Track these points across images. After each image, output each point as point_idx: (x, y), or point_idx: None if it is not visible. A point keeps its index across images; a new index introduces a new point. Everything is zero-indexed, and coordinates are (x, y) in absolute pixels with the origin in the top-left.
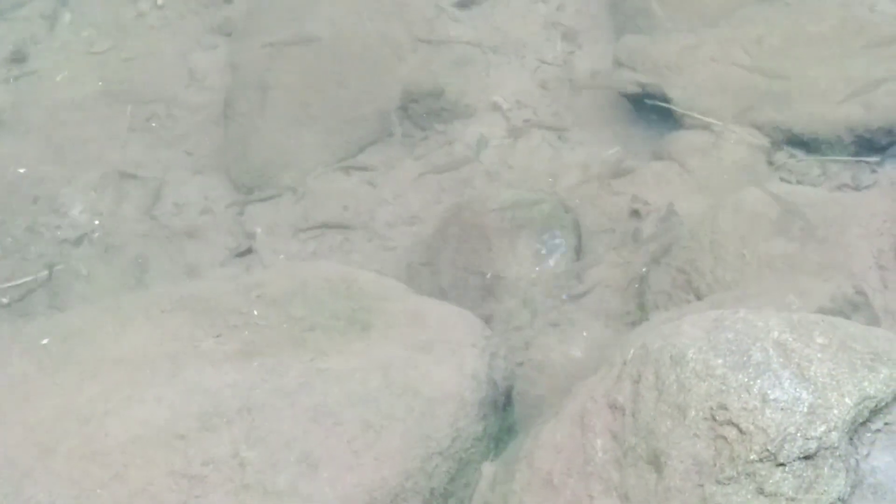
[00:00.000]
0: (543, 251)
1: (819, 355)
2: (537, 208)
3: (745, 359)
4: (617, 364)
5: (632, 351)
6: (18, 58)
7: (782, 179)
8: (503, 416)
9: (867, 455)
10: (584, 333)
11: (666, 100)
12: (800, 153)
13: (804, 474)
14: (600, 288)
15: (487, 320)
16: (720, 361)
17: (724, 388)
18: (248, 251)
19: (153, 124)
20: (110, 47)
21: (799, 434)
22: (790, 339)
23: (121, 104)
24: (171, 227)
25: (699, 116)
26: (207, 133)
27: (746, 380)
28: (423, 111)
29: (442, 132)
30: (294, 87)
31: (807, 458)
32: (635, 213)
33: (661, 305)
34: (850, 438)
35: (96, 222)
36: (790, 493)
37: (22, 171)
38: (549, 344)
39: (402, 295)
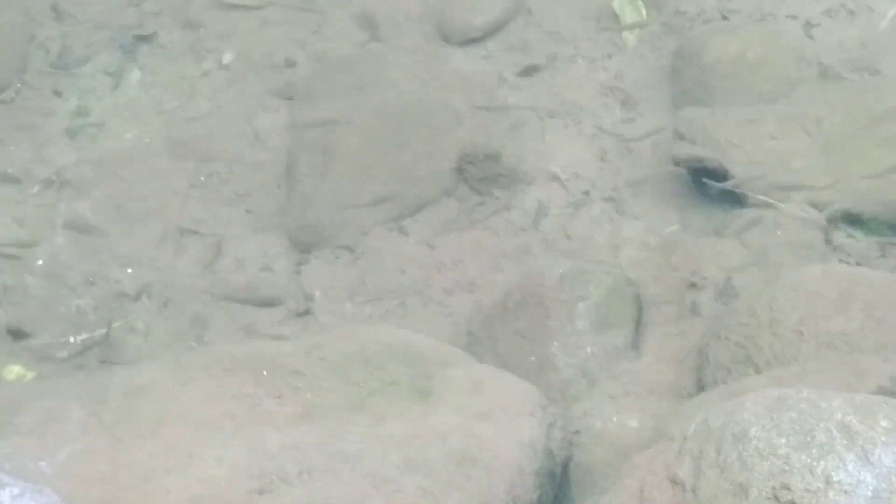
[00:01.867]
0: (602, 322)
1: (883, 438)
2: (597, 279)
3: (808, 439)
4: (677, 438)
5: (692, 426)
6: (82, 113)
7: (841, 260)
8: (559, 486)
9: None
10: (642, 404)
11: (725, 174)
12: (858, 233)
13: None
14: (658, 360)
15: (545, 390)
16: (783, 441)
17: (787, 467)
18: (307, 312)
19: (215, 182)
20: (175, 106)
21: None
22: (854, 420)
23: (183, 162)
24: (230, 285)
25: (759, 197)
26: (268, 192)
27: (810, 460)
28: (481, 175)
29: (499, 198)
30: (355, 150)
31: None
32: (693, 287)
33: (720, 380)
34: None
35: (156, 278)
36: None
37: (84, 224)
38: (606, 414)
39: (461, 362)
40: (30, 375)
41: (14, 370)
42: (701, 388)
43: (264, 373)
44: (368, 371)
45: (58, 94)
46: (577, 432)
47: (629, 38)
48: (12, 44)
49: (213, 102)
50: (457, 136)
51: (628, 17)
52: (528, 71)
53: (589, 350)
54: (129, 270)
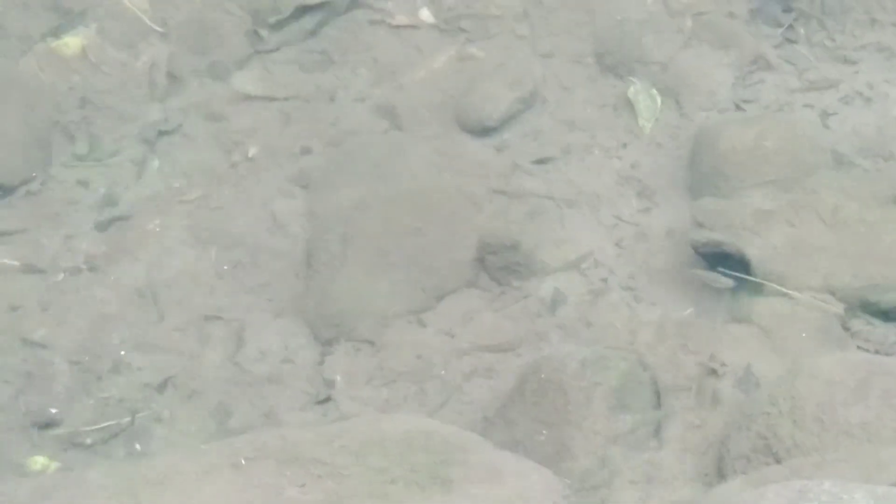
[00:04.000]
0: (621, 408)
1: None
2: (615, 366)
3: None
4: None
5: None
6: (109, 203)
7: (859, 347)
8: None
9: None
10: (663, 494)
11: (744, 262)
12: (877, 321)
13: None
14: (679, 447)
15: (565, 478)
16: None
17: None
18: (328, 399)
19: (237, 270)
20: (199, 196)
21: None
22: None
23: (207, 250)
24: (252, 374)
25: (775, 286)
26: (288, 280)
27: None
28: (500, 264)
29: (518, 287)
30: (373, 237)
31: None
32: (713, 373)
33: (740, 469)
34: None
35: (180, 367)
36: None
37: (110, 313)
38: (627, 503)
39: (481, 448)
40: (54, 466)
41: (39, 460)
42: (722, 477)
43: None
44: (389, 459)
45: (83, 184)
46: None
47: (645, 126)
48: (39, 134)
49: (236, 192)
50: (475, 224)
51: (643, 106)
52: (544, 160)
53: (608, 437)
54: (155, 358)
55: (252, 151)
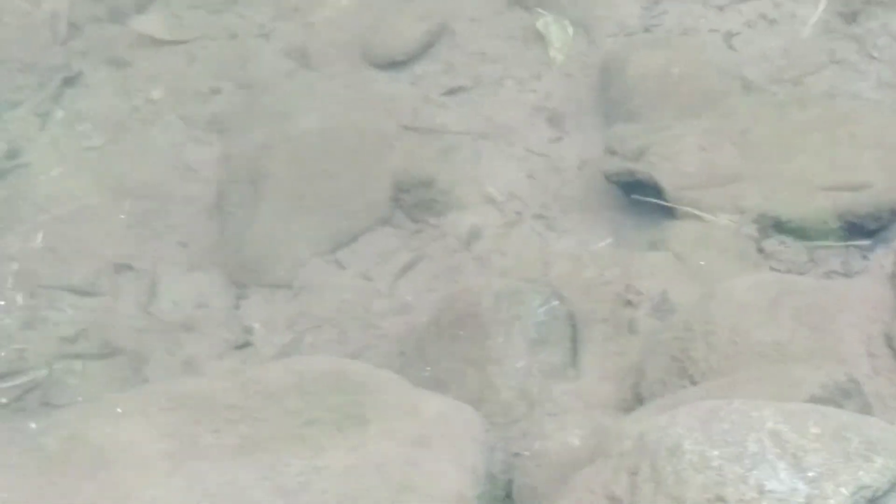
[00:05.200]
0: (539, 341)
1: (814, 445)
2: (531, 298)
3: (741, 450)
4: (613, 455)
5: (628, 442)
6: (11, 155)
7: (772, 268)
8: None
9: None
10: (582, 422)
11: (657, 187)
12: (789, 240)
13: None
14: (597, 377)
15: (484, 411)
16: (716, 453)
17: (720, 479)
18: (246, 345)
19: (148, 218)
20: (105, 142)
21: None
22: (785, 429)
23: (115, 199)
24: (167, 322)
25: (689, 209)
26: (202, 226)
27: (743, 471)
28: (415, 201)
29: (434, 225)
30: (285, 179)
31: None
32: (628, 303)
33: (657, 393)
34: None
35: (93, 318)
36: None
37: (16, 267)
38: (546, 434)
39: (397, 388)
40: None
41: None
42: (639, 402)
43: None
44: (304, 401)
45: None
46: (517, 454)
47: (556, 57)
48: None
49: (143, 137)
50: (388, 161)
51: (554, 37)
52: (455, 93)
53: (526, 369)
54: (66, 311)
55: (158, 95)
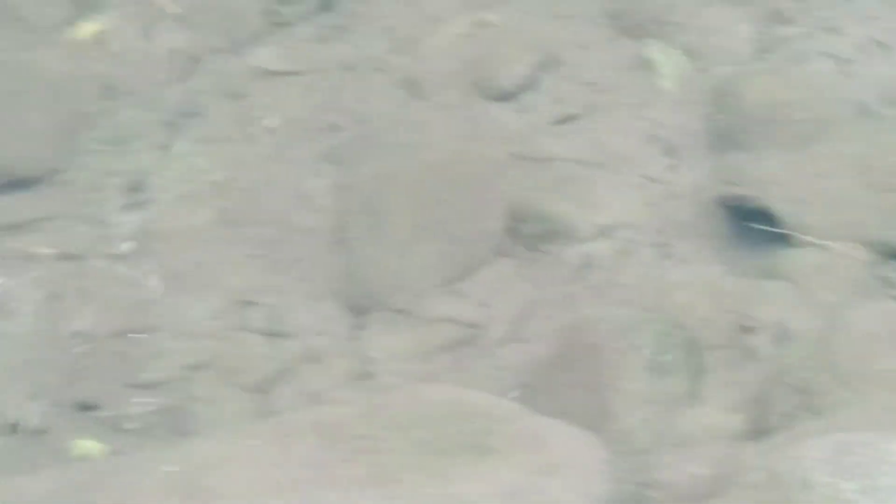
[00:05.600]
0: (658, 370)
1: None
2: (650, 327)
3: (873, 483)
4: (745, 487)
5: (759, 474)
6: (134, 188)
7: (892, 297)
8: None
9: None
10: (706, 453)
11: (771, 216)
12: None
13: None
14: (719, 406)
15: (606, 442)
16: (849, 486)
17: None
18: (368, 374)
19: (269, 249)
20: (226, 176)
21: None
22: None
23: (236, 230)
24: (290, 351)
25: (805, 237)
26: (321, 256)
27: None
28: (530, 231)
29: (549, 252)
30: (402, 210)
31: None
32: (748, 332)
33: (780, 425)
34: None
35: (218, 348)
36: None
37: (144, 297)
38: (671, 464)
39: (521, 417)
40: (101, 449)
41: (86, 445)
42: (762, 433)
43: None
44: (430, 431)
45: (110, 170)
46: (643, 485)
47: (666, 84)
48: (64, 123)
49: (262, 169)
50: (502, 191)
51: (663, 64)
52: (567, 122)
53: (647, 398)
54: (192, 341)
55: (275, 127)
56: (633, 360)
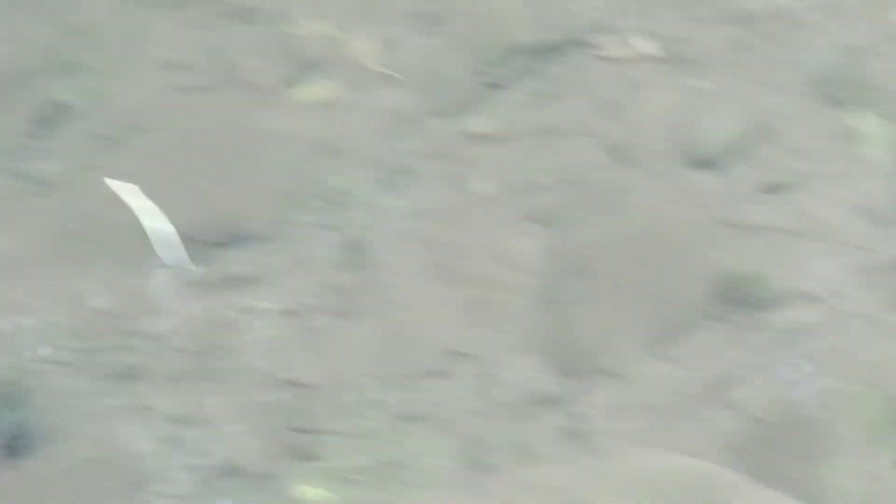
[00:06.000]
0: (876, 444)
1: None
2: (865, 399)
3: None
4: None
5: None
6: (355, 247)
7: None
8: None
9: None
10: None
11: None
12: None
13: None
14: None
15: None
16: None
17: None
18: (579, 433)
19: (478, 306)
20: (438, 233)
21: None
22: None
23: (450, 287)
24: (500, 408)
25: None
26: (531, 315)
27: None
28: (738, 297)
29: (759, 321)
30: (611, 273)
31: None
32: None
33: None
34: None
35: (430, 400)
36: None
37: (361, 350)
38: None
39: (746, 488)
40: (326, 495)
41: (311, 490)
42: None
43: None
44: (656, 499)
45: (328, 227)
46: None
47: (875, 153)
48: (285, 182)
49: (473, 228)
50: (709, 257)
51: (872, 134)
52: (772, 189)
53: (866, 473)
54: (404, 393)
55: (486, 188)
56: (846, 432)
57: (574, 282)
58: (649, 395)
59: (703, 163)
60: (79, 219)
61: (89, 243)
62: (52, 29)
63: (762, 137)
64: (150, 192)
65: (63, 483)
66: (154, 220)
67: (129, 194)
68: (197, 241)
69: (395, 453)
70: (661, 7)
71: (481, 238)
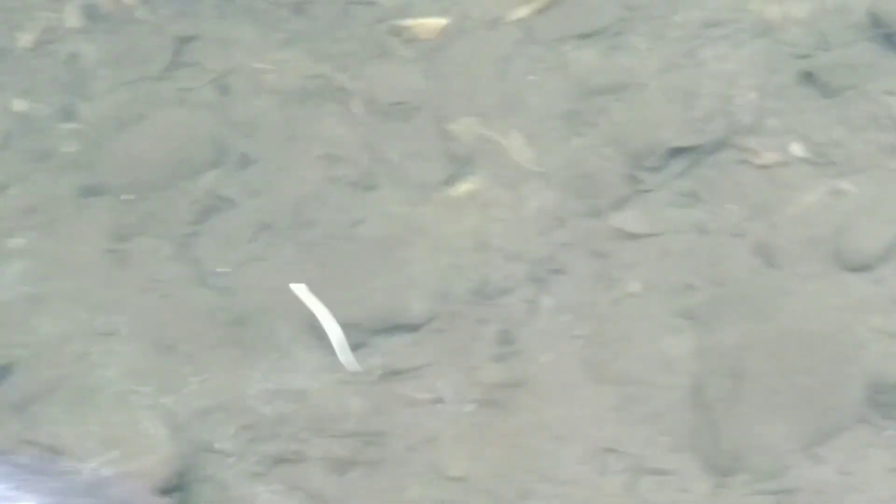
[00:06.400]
0: None
1: None
2: None
3: None
4: None
5: None
6: (504, 339)
7: None
8: None
9: None
10: None
11: None
12: None
13: None
14: None
15: None
16: None
17: None
18: None
19: (630, 404)
20: (589, 331)
21: None
22: None
23: (600, 384)
24: (651, 502)
25: None
26: (680, 414)
27: None
28: (890, 402)
29: None
30: (762, 375)
31: None
32: None
33: None
34: None
35: (582, 498)
36: None
37: (514, 444)
38: None
39: None
40: None
41: None
42: None
43: None
44: None
45: (481, 320)
46: None
47: None
48: (442, 271)
49: (623, 326)
50: (861, 362)
51: None
52: None
53: None
54: (559, 488)
55: (635, 287)
56: None
57: (724, 382)
58: (800, 496)
59: (856, 267)
60: (243, 308)
61: (253, 332)
62: (218, 124)
63: None
64: (312, 282)
65: None
66: (326, 318)
67: (301, 292)
68: (356, 331)
69: None
70: (811, 110)
71: (632, 336)
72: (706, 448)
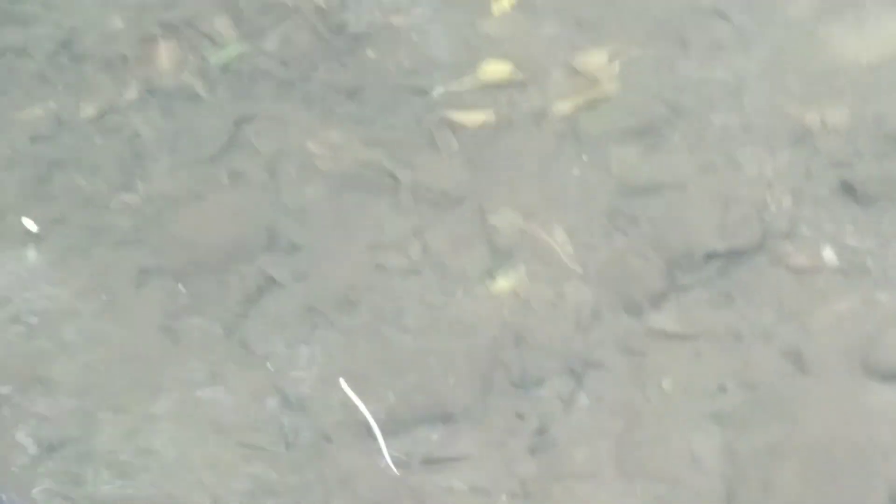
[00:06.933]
0: None
1: None
2: None
3: None
4: None
5: None
6: (540, 432)
7: None
8: None
9: None
10: None
11: None
12: None
13: None
14: None
15: None
16: None
17: None
18: None
19: (659, 502)
20: (622, 428)
21: None
22: None
23: (630, 481)
24: None
25: None
26: None
27: None
28: None
29: None
30: (790, 482)
31: None
32: None
33: None
34: None
35: None
36: None
37: None
38: None
39: None
40: None
41: None
42: None
43: None
44: None
45: (518, 413)
46: None
47: None
48: (480, 367)
49: (655, 425)
50: (885, 473)
51: None
52: None
53: None
54: None
55: (668, 386)
56: None
57: (755, 489)
58: None
59: (885, 376)
60: (293, 390)
61: (295, 416)
62: (271, 209)
63: None
64: (353, 366)
65: None
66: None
67: (345, 387)
68: (395, 419)
69: None
70: (846, 219)
71: (664, 436)
72: None
